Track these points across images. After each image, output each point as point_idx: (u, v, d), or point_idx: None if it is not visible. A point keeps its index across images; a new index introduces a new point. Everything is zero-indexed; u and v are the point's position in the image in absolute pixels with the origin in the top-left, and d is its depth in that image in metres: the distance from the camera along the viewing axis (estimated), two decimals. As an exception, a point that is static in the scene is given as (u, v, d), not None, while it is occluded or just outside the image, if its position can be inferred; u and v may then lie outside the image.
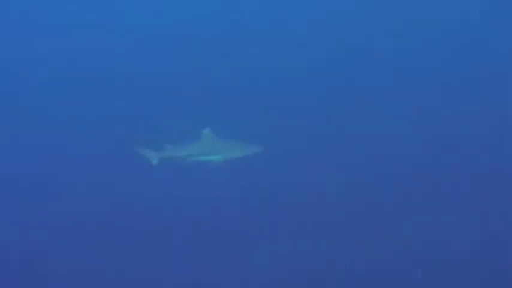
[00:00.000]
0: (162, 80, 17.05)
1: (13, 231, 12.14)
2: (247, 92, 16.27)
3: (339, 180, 12.99)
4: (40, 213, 12.59)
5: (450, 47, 17.99)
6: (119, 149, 13.57)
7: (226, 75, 16.98)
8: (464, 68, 16.79)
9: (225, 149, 12.36)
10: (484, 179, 12.79)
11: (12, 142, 14.87)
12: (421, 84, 16.46)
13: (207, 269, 11.23)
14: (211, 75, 17.04)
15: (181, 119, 14.21)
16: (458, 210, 12.16)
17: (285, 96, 16.06)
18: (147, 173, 12.70)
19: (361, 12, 20.11)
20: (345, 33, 18.84)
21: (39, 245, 11.86)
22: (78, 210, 12.64)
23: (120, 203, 12.66)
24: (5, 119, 15.89)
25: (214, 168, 12.28)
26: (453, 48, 17.93)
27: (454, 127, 14.55)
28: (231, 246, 11.67)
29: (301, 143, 14.10)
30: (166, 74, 17.16)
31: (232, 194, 12.59)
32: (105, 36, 19.58)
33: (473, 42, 18.11)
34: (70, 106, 16.16)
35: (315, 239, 11.70)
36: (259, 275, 11.10)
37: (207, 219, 12.21)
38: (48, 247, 11.82)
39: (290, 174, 13.12)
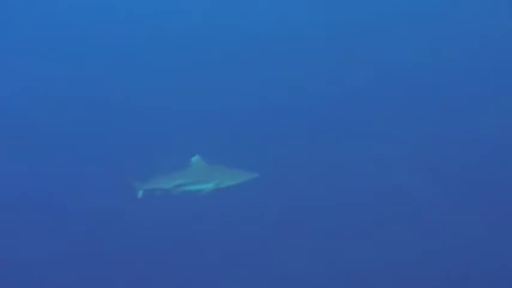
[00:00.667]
0: (147, 106, 16.80)
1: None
2: (237, 117, 15.89)
3: (333, 205, 12.64)
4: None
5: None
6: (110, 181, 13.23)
7: (214, 100, 16.68)
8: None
9: (217, 177, 11.71)
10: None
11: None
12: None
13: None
14: (199, 101, 16.70)
15: (169, 148, 13.86)
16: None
17: (278, 121, 15.77)
18: (134, 204, 12.25)
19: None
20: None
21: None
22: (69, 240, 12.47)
23: (113, 234, 12.50)
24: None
25: (206, 198, 11.68)
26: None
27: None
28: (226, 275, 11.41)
29: (295, 169, 13.79)
30: (152, 102, 16.95)
31: (226, 223, 12.28)
32: (92, 62, 19.40)
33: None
34: (55, 132, 16.04)
35: (311, 265, 11.46)
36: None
37: (201, 248, 11.98)
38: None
39: (285, 202, 12.77)
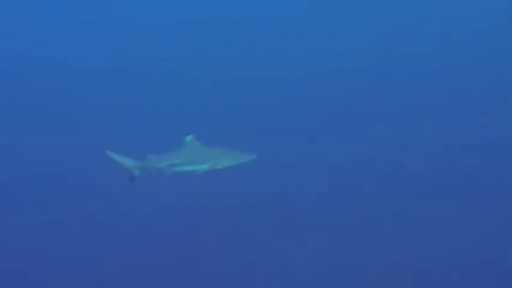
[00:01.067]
0: (141, 85, 16.65)
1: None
2: (234, 97, 15.72)
3: (329, 188, 12.77)
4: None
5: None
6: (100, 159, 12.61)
7: (211, 79, 16.56)
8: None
9: (212, 158, 10.98)
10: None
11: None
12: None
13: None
14: (195, 79, 16.57)
15: (163, 126, 13.67)
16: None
17: (276, 102, 15.72)
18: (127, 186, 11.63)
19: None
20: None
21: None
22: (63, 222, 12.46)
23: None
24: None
25: (200, 179, 11.04)
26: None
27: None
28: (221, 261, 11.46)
29: (292, 151, 13.81)
30: (146, 78, 16.83)
31: (220, 206, 12.32)
32: (90, 41, 19.27)
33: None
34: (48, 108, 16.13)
35: (306, 248, 11.52)
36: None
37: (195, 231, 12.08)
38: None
39: (282, 185, 12.74)
